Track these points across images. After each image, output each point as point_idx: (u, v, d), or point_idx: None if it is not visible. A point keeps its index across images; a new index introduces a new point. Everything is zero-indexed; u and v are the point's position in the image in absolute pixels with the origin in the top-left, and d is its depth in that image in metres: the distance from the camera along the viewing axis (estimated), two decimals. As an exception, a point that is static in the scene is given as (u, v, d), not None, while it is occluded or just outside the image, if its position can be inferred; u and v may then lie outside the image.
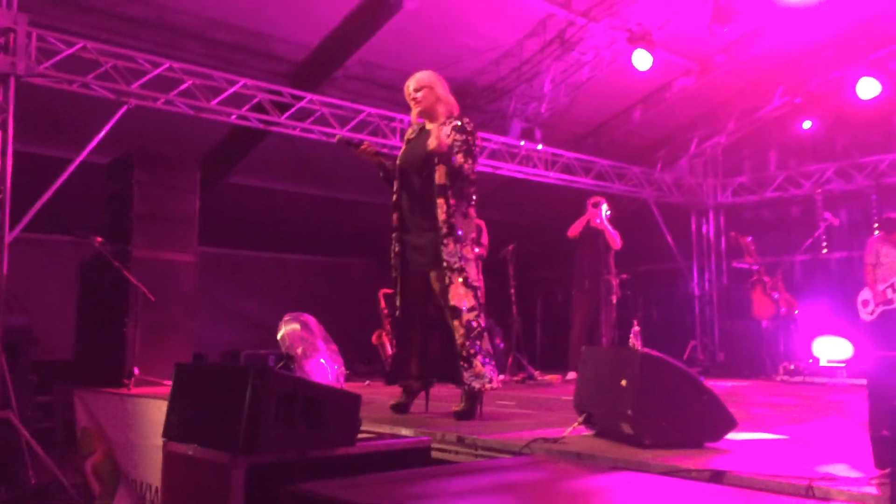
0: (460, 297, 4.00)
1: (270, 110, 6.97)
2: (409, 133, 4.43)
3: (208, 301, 8.67)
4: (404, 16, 7.04)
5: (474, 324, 4.00)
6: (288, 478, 2.36)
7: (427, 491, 2.19)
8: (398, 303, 4.27)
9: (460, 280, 4.01)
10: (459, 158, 4.04)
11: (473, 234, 4.25)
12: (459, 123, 4.15)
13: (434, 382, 4.32)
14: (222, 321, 9.62)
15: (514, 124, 8.74)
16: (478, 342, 3.99)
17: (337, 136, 4.58)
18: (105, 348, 6.07)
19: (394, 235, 4.27)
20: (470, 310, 4.01)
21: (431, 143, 3.99)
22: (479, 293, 4.12)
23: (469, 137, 4.13)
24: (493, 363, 4.09)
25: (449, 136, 4.08)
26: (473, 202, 4.22)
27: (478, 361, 3.96)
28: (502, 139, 8.64)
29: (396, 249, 4.25)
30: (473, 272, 4.13)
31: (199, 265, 6.55)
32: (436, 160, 4.07)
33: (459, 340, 3.98)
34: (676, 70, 9.15)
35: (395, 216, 4.29)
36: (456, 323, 3.99)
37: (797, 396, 5.71)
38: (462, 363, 3.97)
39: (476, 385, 3.96)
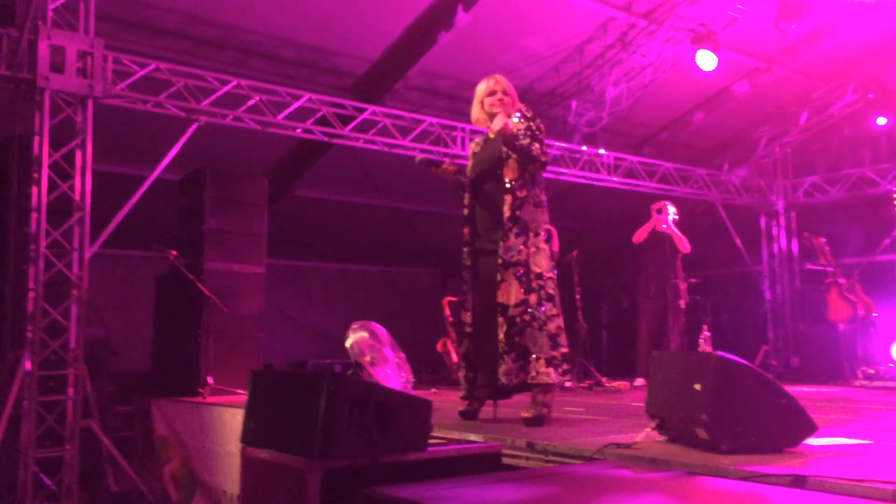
0: (509, 293, 3.96)
1: (334, 123, 7.10)
2: (474, 146, 4.45)
3: (275, 312, 8.85)
4: (463, 25, 7.10)
5: (519, 319, 3.93)
6: (362, 482, 2.39)
7: (499, 495, 2.19)
8: (465, 317, 4.24)
9: (513, 275, 3.97)
10: (527, 141, 4.05)
11: (547, 225, 4.19)
12: (519, 113, 4.16)
13: (498, 397, 4.26)
14: (288, 331, 9.82)
15: (575, 129, 8.69)
16: (517, 338, 3.90)
17: (417, 158, 4.60)
18: (180, 359, 6.26)
19: (465, 250, 4.27)
20: (518, 304, 3.94)
21: (496, 124, 3.99)
22: (548, 284, 4.05)
23: (531, 123, 4.13)
24: (552, 361, 3.96)
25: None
26: (544, 193, 4.18)
27: (509, 358, 3.89)
28: (564, 145, 8.60)
29: (468, 263, 4.25)
30: (544, 262, 4.08)
31: (267, 276, 6.70)
32: (505, 153, 4.08)
33: (500, 337, 3.93)
34: (741, 69, 8.96)
35: (466, 231, 4.29)
36: (501, 319, 3.94)
37: (878, 401, 5.51)
38: (499, 359, 3.91)
39: (508, 381, 3.88)
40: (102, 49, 5.68)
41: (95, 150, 5.68)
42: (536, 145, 4.09)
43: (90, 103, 5.63)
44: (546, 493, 2.22)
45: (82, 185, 5.58)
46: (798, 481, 2.29)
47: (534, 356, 3.93)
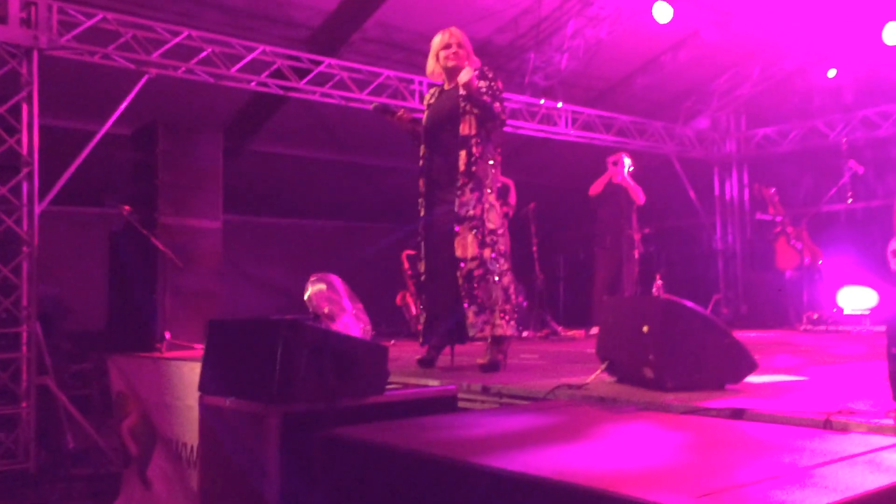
0: (465, 247, 4.02)
1: (289, 76, 7.00)
2: (429, 98, 4.45)
3: (232, 268, 8.80)
4: (421, -24, 7.02)
5: (476, 272, 4.00)
6: (320, 426, 2.44)
7: (454, 433, 2.26)
8: (422, 267, 4.31)
9: (468, 229, 4.03)
10: (488, 98, 4.08)
11: (500, 183, 4.26)
12: (481, 71, 4.18)
13: (456, 342, 4.36)
14: (247, 288, 9.78)
15: (533, 82, 8.69)
16: (476, 291, 3.98)
17: (373, 104, 4.60)
18: (136, 315, 6.22)
19: (420, 200, 4.31)
20: (473, 258, 4.02)
21: (464, 76, 4.01)
22: (500, 240, 4.14)
23: (492, 83, 4.16)
24: (506, 313, 4.07)
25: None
26: (499, 151, 4.24)
27: (471, 311, 3.98)
28: (522, 98, 8.61)
29: (422, 213, 4.30)
30: (496, 219, 4.15)
31: (223, 232, 6.65)
32: (464, 108, 4.10)
33: (457, 290, 4.02)
34: (697, 22, 9.01)
35: (421, 182, 4.32)
36: (457, 273, 4.03)
37: (819, 344, 5.73)
38: (457, 309, 3.99)
39: (473, 333, 3.99)
40: (46, -2, 5.51)
41: (43, 104, 5.54)
42: (497, 104, 4.14)
43: (35, 55, 5.49)
44: (497, 429, 2.30)
45: (29, 140, 5.46)
46: (737, 414, 2.41)
47: (492, 309, 4.02)
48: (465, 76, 4.05)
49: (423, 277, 4.31)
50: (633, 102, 10.02)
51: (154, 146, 6.23)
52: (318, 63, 7.15)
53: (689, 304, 3.02)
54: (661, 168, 10.56)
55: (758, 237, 10.44)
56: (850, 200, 8.87)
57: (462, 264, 4.03)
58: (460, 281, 4.01)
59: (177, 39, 6.32)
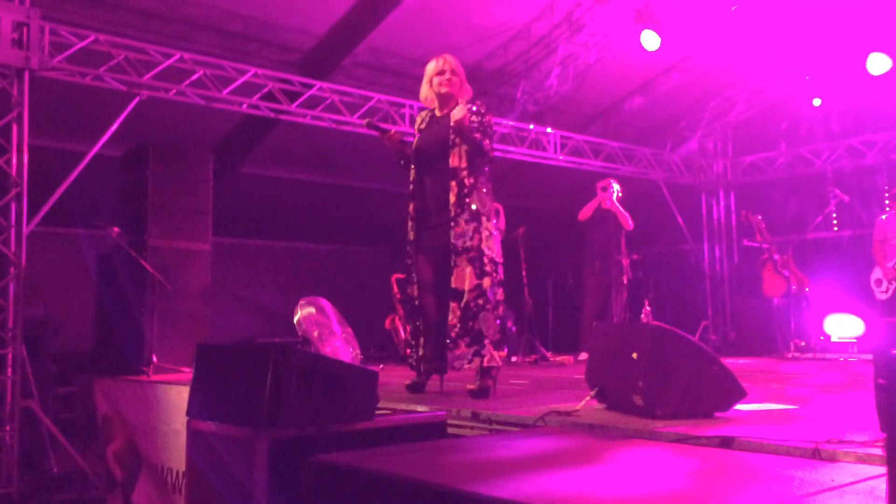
0: (462, 278, 4.03)
1: (281, 99, 7.03)
2: (419, 122, 4.49)
3: (222, 290, 8.77)
4: (411, 2, 7.08)
5: (473, 304, 4.01)
6: (309, 451, 2.43)
7: (443, 460, 2.26)
8: (412, 291, 4.31)
9: (466, 260, 4.05)
10: (478, 135, 4.12)
11: (494, 208, 4.30)
12: (474, 107, 4.21)
13: (444, 370, 4.36)
14: (236, 310, 9.73)
15: (523, 108, 8.76)
16: (471, 323, 3.99)
17: (366, 120, 4.64)
18: (123, 337, 6.17)
19: (409, 224, 4.33)
20: (472, 289, 4.03)
21: (457, 113, 4.06)
22: (499, 268, 4.17)
23: (483, 119, 4.21)
24: (499, 343, 4.09)
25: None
26: (489, 179, 4.28)
27: (463, 343, 3.99)
28: (512, 123, 8.67)
29: (411, 237, 4.31)
30: (495, 247, 4.18)
31: (213, 255, 6.63)
32: (454, 140, 4.13)
33: (452, 321, 4.01)
34: (684, 50, 9.13)
35: (411, 206, 4.34)
36: (453, 304, 4.03)
37: (807, 372, 5.75)
38: (450, 343, 4.00)
39: (457, 365, 3.99)
40: (39, 20, 5.52)
41: (33, 125, 5.53)
42: (487, 141, 4.20)
43: (26, 76, 5.48)
44: (487, 458, 2.29)
45: (19, 161, 5.44)
46: (726, 442, 2.42)
47: (487, 339, 4.03)
48: (458, 114, 4.11)
49: (416, 302, 4.29)
50: (621, 128, 10.11)
51: (144, 168, 6.23)
52: (310, 86, 7.18)
53: (679, 331, 3.03)
54: (650, 194, 10.63)
55: (745, 263, 10.51)
56: (835, 228, 8.97)
57: (461, 297, 4.02)
58: (457, 312, 4.01)
59: (169, 62, 6.34)
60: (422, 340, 4.25)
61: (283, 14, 7.21)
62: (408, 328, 4.43)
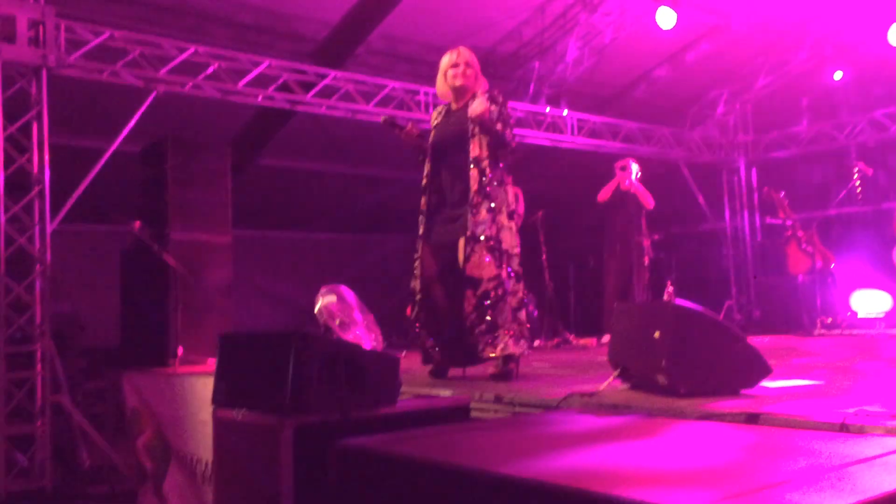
0: (481, 266, 4.02)
1: (296, 89, 7.04)
2: (436, 116, 4.47)
3: (243, 282, 8.83)
4: (423, -13, 7.05)
5: (492, 293, 4.00)
6: (333, 437, 2.44)
7: (468, 442, 2.26)
8: (415, 286, 4.29)
9: (485, 249, 4.04)
10: (499, 126, 4.10)
11: (512, 206, 4.27)
12: (490, 95, 4.19)
13: (458, 363, 4.34)
14: (258, 301, 9.80)
15: (539, 90, 8.71)
16: (489, 312, 3.98)
17: (383, 117, 4.63)
18: (149, 331, 6.24)
19: (420, 218, 4.32)
20: (491, 279, 4.02)
21: (477, 107, 4.04)
22: (514, 260, 4.16)
23: (503, 108, 4.18)
24: (519, 335, 4.08)
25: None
26: (509, 170, 4.26)
27: (478, 332, 3.97)
28: (528, 107, 8.62)
29: (421, 232, 4.31)
30: (509, 239, 4.16)
31: (234, 247, 6.67)
32: (473, 131, 4.11)
33: (467, 309, 4.00)
34: (702, 27, 9.02)
35: (423, 199, 4.33)
36: (469, 292, 4.01)
37: (834, 348, 5.69)
38: (466, 331, 4.00)
39: (480, 353, 3.98)
40: (54, 17, 5.56)
41: (53, 123, 5.58)
42: (508, 131, 4.17)
43: (44, 74, 5.53)
44: (511, 437, 2.30)
45: (40, 159, 5.49)
46: (752, 418, 2.40)
47: (503, 329, 4.01)
48: (478, 107, 4.06)
49: (418, 297, 4.27)
50: (639, 109, 10.02)
51: (163, 162, 6.26)
52: (324, 76, 7.18)
53: (701, 308, 3.01)
54: (670, 174, 10.54)
55: (768, 241, 10.40)
56: (860, 203, 8.84)
57: (478, 285, 4.01)
58: (474, 301, 3.99)
59: (184, 56, 6.36)
60: (432, 332, 4.25)
61: (295, 3, 7.21)
62: (412, 318, 4.41)
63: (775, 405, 2.60)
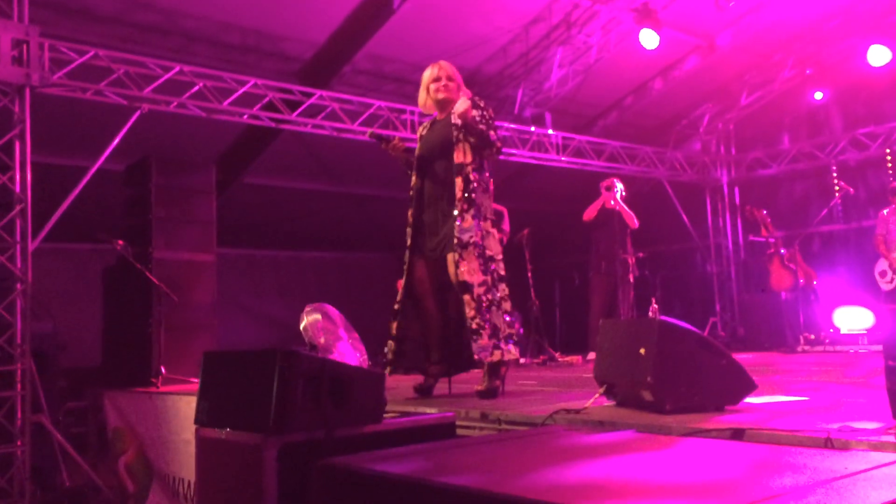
0: (472, 272, 4.04)
1: (281, 108, 7.04)
2: (421, 130, 4.51)
3: (227, 301, 8.77)
4: (409, 8, 7.09)
5: (484, 298, 4.03)
6: (318, 455, 2.41)
7: (454, 460, 2.24)
8: (401, 293, 4.32)
9: (475, 255, 4.05)
10: (483, 127, 4.12)
11: (493, 210, 4.31)
12: (473, 101, 4.22)
13: (454, 372, 4.38)
14: (242, 320, 9.74)
15: (523, 109, 8.77)
16: (487, 315, 4.01)
17: (369, 131, 4.67)
18: (132, 350, 6.18)
19: (408, 230, 4.34)
20: (481, 284, 4.04)
21: (460, 106, 4.07)
22: (499, 266, 4.18)
23: (484, 112, 4.21)
24: (509, 337, 4.11)
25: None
26: (490, 180, 4.29)
27: (485, 334, 3.99)
28: (513, 126, 8.67)
29: (408, 243, 4.33)
30: (494, 245, 4.18)
31: (218, 266, 6.64)
32: (458, 137, 4.13)
33: (470, 314, 4.01)
34: (684, 48, 9.14)
35: (410, 212, 4.35)
36: (467, 297, 4.02)
37: (817, 364, 5.72)
38: (472, 335, 4.01)
39: (483, 356, 3.98)
40: (38, 37, 5.53)
41: (35, 142, 5.54)
42: (492, 132, 4.19)
43: (27, 92, 5.49)
44: (496, 455, 2.28)
45: (22, 177, 5.44)
46: (737, 434, 2.40)
47: (502, 332, 4.04)
48: (461, 106, 4.11)
49: (397, 305, 4.31)
50: (622, 128, 10.11)
51: (147, 181, 6.24)
52: (310, 95, 7.20)
53: (685, 325, 3.02)
54: (653, 192, 10.62)
55: (752, 259, 10.48)
56: (841, 221, 8.94)
57: (472, 290, 4.02)
58: (472, 304, 4.00)
59: (168, 75, 6.36)
60: (405, 341, 4.29)
61: (282, 24, 7.23)
62: (393, 333, 4.42)
63: (760, 421, 2.61)
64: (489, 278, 4.09)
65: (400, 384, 4.75)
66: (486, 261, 4.09)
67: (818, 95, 9.64)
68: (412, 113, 7.76)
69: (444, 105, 4.33)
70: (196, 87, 6.50)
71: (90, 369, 6.99)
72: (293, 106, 7.16)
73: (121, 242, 5.95)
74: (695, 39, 9.04)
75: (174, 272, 6.16)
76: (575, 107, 9.60)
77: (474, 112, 4.16)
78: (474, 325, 4.00)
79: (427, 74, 4.40)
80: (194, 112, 6.59)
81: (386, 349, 4.35)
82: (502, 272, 4.21)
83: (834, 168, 9.67)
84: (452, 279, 4.11)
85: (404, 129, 7.73)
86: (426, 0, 7.12)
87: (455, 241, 4.06)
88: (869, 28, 8.54)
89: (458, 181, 4.12)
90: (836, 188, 8.63)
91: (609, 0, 7.93)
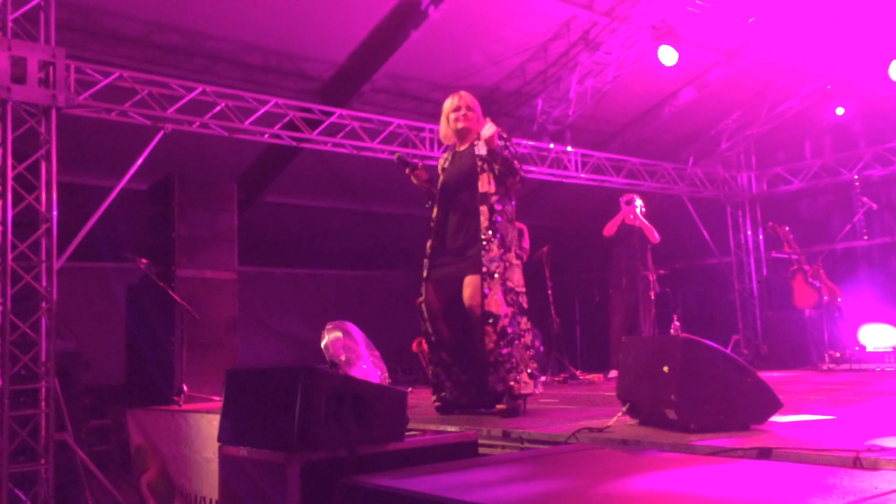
0: (497, 304, 4.03)
1: (302, 127, 7.11)
2: (443, 162, 4.53)
3: (248, 319, 8.82)
4: (428, 27, 7.14)
5: (509, 329, 4.03)
6: (341, 473, 2.42)
7: (476, 479, 2.23)
8: (426, 328, 4.33)
9: (499, 286, 4.05)
10: (508, 154, 4.14)
11: (517, 242, 4.32)
12: (497, 132, 4.24)
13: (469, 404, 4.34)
14: (263, 338, 9.78)
15: (542, 127, 8.78)
16: (509, 348, 4.00)
17: (396, 155, 4.69)
18: (154, 368, 6.22)
19: (425, 262, 4.34)
20: (504, 316, 4.03)
21: (487, 131, 4.08)
22: (521, 298, 4.17)
23: (508, 143, 4.23)
24: (533, 368, 4.11)
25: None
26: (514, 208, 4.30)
27: (506, 366, 3.98)
28: (532, 143, 8.69)
29: (425, 275, 4.33)
30: (517, 277, 4.18)
31: (239, 284, 6.68)
32: (482, 167, 4.14)
33: (489, 346, 4.00)
34: (703, 64, 9.12)
35: (429, 243, 4.36)
36: (489, 329, 4.01)
37: (843, 382, 5.64)
38: (490, 368, 4.00)
39: (499, 388, 3.98)
40: (64, 59, 5.62)
41: (61, 162, 5.62)
42: (516, 161, 4.21)
43: (53, 114, 5.58)
44: (520, 474, 2.27)
45: (48, 197, 5.52)
46: (764, 453, 2.37)
47: (522, 366, 4.04)
48: (487, 131, 4.11)
49: (432, 338, 4.31)
50: (642, 145, 10.08)
51: (170, 200, 6.31)
52: (330, 114, 7.26)
53: (709, 342, 2.99)
54: (674, 209, 10.56)
55: (774, 276, 10.37)
56: (865, 237, 8.83)
57: (497, 321, 4.01)
58: (495, 337, 3.99)
59: (191, 95, 6.44)
60: (450, 371, 4.26)
61: (302, 44, 7.32)
62: (430, 358, 4.43)
63: (787, 440, 2.57)
64: (512, 310, 4.08)
65: (421, 402, 4.74)
66: (508, 292, 4.09)
67: (840, 111, 9.57)
68: (431, 131, 7.80)
69: (465, 135, 4.36)
70: (218, 108, 6.58)
71: (113, 387, 7.04)
72: (313, 125, 7.22)
73: (144, 261, 6.01)
74: (713, 55, 9.02)
75: (196, 290, 6.20)
76: (594, 123, 9.60)
77: (498, 141, 4.17)
78: (492, 358, 4.00)
79: (447, 104, 4.43)
80: (216, 132, 6.67)
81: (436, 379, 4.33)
82: (525, 305, 4.20)
83: (857, 183, 9.57)
84: (466, 302, 4.10)
85: (423, 146, 7.77)
86: (445, 18, 7.16)
87: (483, 269, 4.05)
88: (890, 43, 8.48)
89: (484, 209, 4.13)
90: (860, 204, 8.53)
91: (628, 17, 7.95)
